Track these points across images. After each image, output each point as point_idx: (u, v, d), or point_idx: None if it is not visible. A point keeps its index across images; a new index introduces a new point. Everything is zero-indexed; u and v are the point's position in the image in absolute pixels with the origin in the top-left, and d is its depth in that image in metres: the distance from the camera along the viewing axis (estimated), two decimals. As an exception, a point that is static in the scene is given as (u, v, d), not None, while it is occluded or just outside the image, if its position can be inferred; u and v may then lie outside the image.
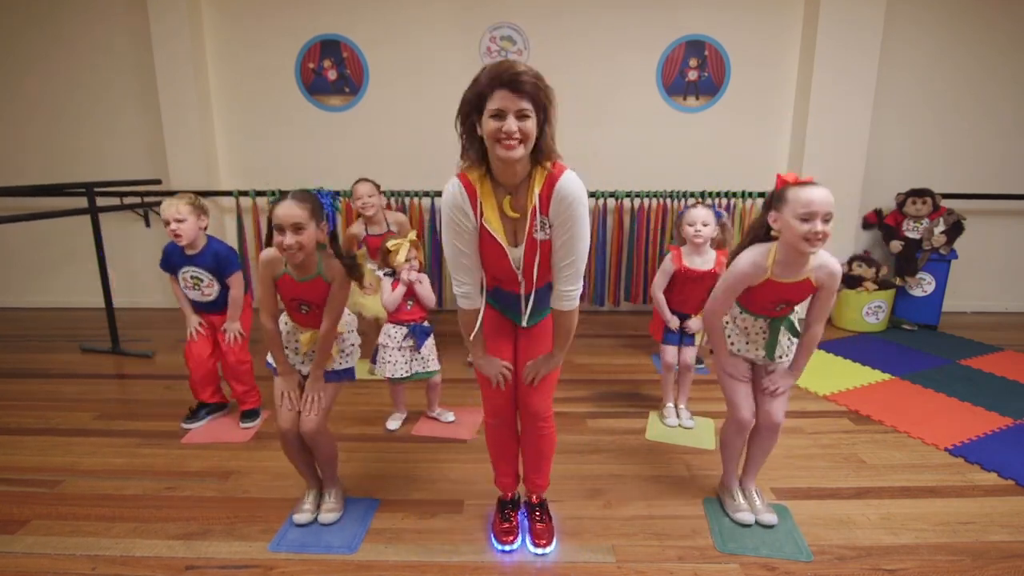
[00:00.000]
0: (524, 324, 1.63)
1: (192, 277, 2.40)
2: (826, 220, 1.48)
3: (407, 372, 2.40)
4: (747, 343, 1.79)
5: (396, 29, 4.04)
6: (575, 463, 2.19)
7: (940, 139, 4.21)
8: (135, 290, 4.41)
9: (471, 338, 1.57)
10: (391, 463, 2.22)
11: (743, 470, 1.93)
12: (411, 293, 2.39)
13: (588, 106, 4.13)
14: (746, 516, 1.83)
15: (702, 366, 3.17)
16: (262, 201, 4.11)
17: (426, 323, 2.44)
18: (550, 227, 1.42)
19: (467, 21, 4.02)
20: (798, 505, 1.94)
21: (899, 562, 1.66)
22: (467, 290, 1.52)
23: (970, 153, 4.23)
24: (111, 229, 3.97)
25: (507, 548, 1.72)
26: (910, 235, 3.97)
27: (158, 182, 4.11)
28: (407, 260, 2.33)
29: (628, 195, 4.04)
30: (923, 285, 3.99)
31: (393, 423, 2.51)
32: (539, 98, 1.31)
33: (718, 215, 2.39)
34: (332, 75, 4.12)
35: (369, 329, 3.15)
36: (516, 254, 1.47)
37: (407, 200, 4.09)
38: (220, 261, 2.39)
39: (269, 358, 1.82)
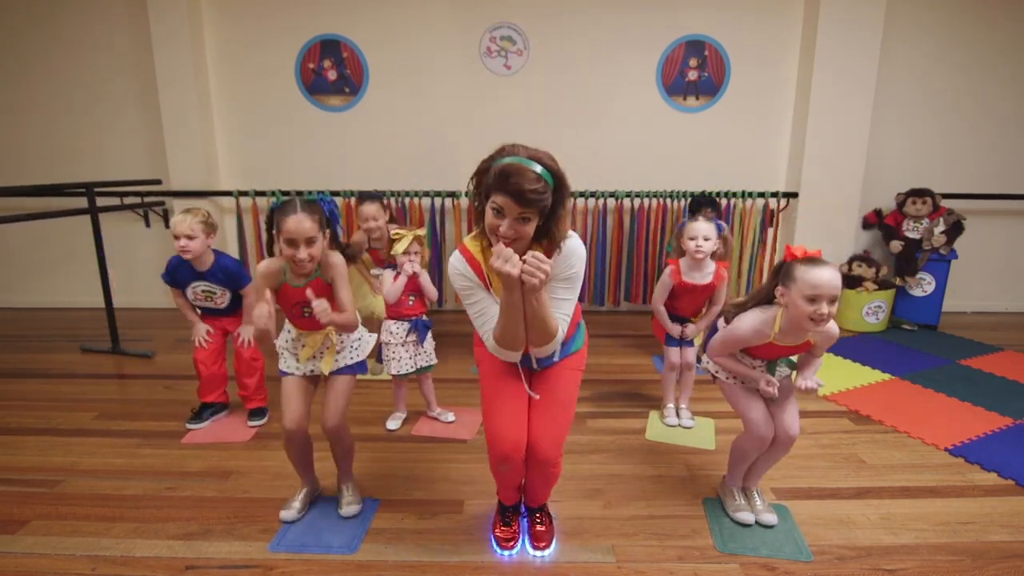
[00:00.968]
0: (535, 367, 1.63)
1: (204, 291, 2.44)
2: (832, 302, 1.50)
3: (412, 367, 2.42)
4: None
5: (396, 29, 4.04)
6: (575, 463, 2.18)
7: (940, 139, 4.21)
8: (135, 290, 4.41)
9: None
10: (391, 463, 2.22)
11: (748, 474, 1.93)
12: (412, 288, 2.39)
13: (588, 106, 4.13)
14: (746, 516, 1.83)
15: (700, 365, 3.17)
16: (262, 201, 4.11)
17: (426, 317, 2.45)
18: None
19: (467, 21, 4.02)
20: (798, 505, 1.94)
21: (899, 562, 1.66)
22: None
23: (970, 153, 4.23)
24: (111, 229, 3.97)
25: (508, 553, 1.71)
26: (910, 235, 3.97)
27: (158, 182, 4.11)
28: (407, 252, 2.34)
29: (628, 195, 4.04)
30: (923, 285, 3.99)
31: (393, 423, 2.51)
32: (547, 204, 1.33)
33: (719, 228, 2.36)
34: (332, 75, 4.12)
35: (369, 327, 3.16)
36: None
37: (407, 200, 4.09)
38: (231, 276, 2.44)
39: (282, 365, 1.84)
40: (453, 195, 4.10)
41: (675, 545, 1.74)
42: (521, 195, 1.28)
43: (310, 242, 1.61)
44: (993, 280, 4.44)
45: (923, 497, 1.99)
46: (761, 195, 4.07)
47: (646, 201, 4.10)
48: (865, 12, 3.81)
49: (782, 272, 1.60)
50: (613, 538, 1.78)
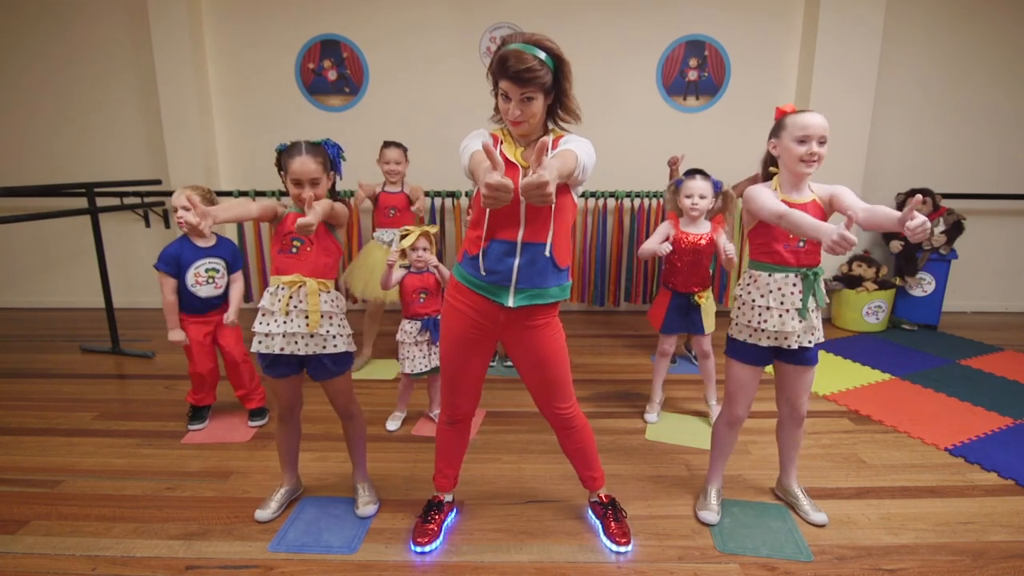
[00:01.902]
0: (511, 303, 1.46)
1: (208, 270, 2.41)
2: (821, 143, 1.56)
3: (426, 367, 2.41)
4: (782, 304, 1.67)
5: (396, 29, 4.04)
6: (575, 463, 2.18)
7: (940, 139, 4.21)
8: (135, 290, 4.41)
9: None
10: (391, 463, 2.22)
11: (782, 471, 1.92)
12: (423, 286, 2.37)
13: (588, 106, 4.06)
14: (710, 516, 1.83)
15: (690, 355, 3.17)
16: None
17: (439, 316, 2.44)
18: None
19: (467, 21, 4.02)
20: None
21: (899, 562, 1.66)
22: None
23: (970, 153, 4.23)
24: (111, 229, 3.98)
25: (425, 549, 1.69)
26: (910, 235, 3.97)
27: (158, 182, 4.10)
28: (414, 248, 2.33)
29: (628, 195, 4.04)
30: (923, 285, 3.99)
31: (393, 423, 2.51)
32: (545, 81, 1.38)
33: (716, 186, 2.35)
34: (332, 75, 4.13)
35: (373, 317, 3.18)
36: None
37: (407, 200, 4.09)
38: (234, 252, 2.50)
39: (259, 328, 1.70)
40: (453, 195, 4.10)
41: (675, 545, 1.74)
42: (518, 76, 1.35)
43: (315, 183, 1.69)
44: (993, 280, 4.44)
45: (923, 497, 1.99)
46: (761, 195, 4.06)
47: (646, 201, 4.10)
48: (865, 12, 3.80)
49: (773, 127, 1.67)
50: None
